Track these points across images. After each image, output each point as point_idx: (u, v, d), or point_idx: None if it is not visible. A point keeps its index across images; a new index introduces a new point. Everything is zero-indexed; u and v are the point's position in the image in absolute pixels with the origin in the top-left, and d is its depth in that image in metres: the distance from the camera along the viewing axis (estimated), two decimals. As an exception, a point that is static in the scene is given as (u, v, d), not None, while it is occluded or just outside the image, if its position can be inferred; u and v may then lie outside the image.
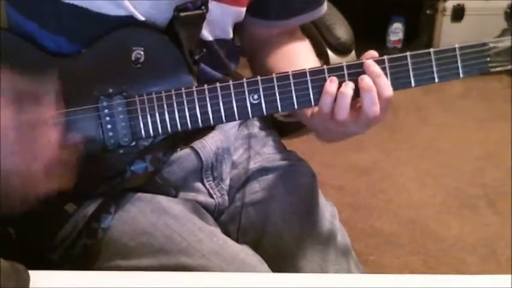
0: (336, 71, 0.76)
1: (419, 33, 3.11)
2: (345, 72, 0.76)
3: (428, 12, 3.05)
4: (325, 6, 0.96)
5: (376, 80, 0.74)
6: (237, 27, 0.90)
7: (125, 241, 0.79)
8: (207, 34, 0.84)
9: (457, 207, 2.08)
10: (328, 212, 0.90)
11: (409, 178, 2.24)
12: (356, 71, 0.76)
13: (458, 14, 2.99)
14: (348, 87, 0.74)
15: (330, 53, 1.25)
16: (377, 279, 0.67)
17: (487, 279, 0.66)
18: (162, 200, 0.82)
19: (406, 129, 2.59)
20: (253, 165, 0.93)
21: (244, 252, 0.79)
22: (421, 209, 2.07)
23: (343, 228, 0.91)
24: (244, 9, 0.87)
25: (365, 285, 0.68)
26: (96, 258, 0.80)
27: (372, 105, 0.74)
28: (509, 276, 0.64)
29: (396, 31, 3.14)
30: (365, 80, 0.74)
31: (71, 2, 0.77)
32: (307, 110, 0.82)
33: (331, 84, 0.75)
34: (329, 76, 0.76)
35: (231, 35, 0.89)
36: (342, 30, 1.28)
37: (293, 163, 0.95)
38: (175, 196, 0.86)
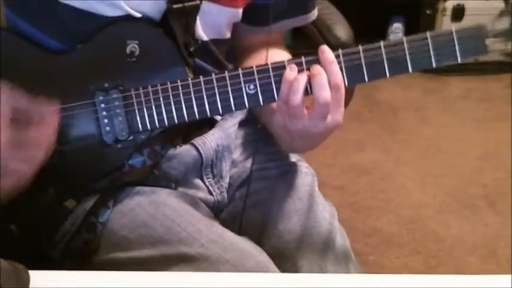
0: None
1: (419, 33, 3.10)
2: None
3: (428, 12, 3.05)
4: (312, 15, 0.96)
5: (328, 67, 0.74)
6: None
7: (125, 233, 0.79)
8: (202, 34, 0.84)
9: (457, 207, 2.08)
10: (328, 212, 0.90)
11: (409, 178, 2.24)
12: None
13: (458, 14, 2.99)
14: (303, 74, 0.74)
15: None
16: (377, 279, 0.67)
17: (487, 279, 0.66)
18: (161, 193, 0.83)
19: (406, 129, 2.59)
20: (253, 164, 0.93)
21: (244, 241, 0.80)
22: (421, 209, 2.07)
23: (343, 229, 0.91)
24: (240, 10, 0.87)
25: (365, 285, 0.68)
26: (96, 252, 0.80)
27: (321, 90, 0.73)
28: (509, 276, 0.64)
29: (396, 31, 3.14)
30: (316, 67, 0.74)
31: (68, 2, 0.77)
32: (270, 116, 0.82)
33: (290, 73, 0.75)
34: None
35: (227, 35, 0.89)
36: (342, 30, 1.29)
37: (293, 163, 0.95)
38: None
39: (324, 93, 0.73)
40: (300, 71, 0.75)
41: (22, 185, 0.70)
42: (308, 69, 0.75)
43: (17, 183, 0.70)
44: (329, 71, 0.74)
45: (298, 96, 0.74)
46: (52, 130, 0.71)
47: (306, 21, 0.96)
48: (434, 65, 0.76)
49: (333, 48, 0.76)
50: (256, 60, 0.91)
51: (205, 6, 0.81)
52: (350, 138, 2.33)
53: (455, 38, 0.75)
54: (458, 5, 2.98)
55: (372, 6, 2.87)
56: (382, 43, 0.76)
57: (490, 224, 2.00)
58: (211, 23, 0.85)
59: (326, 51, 0.75)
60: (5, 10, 0.84)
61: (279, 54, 0.91)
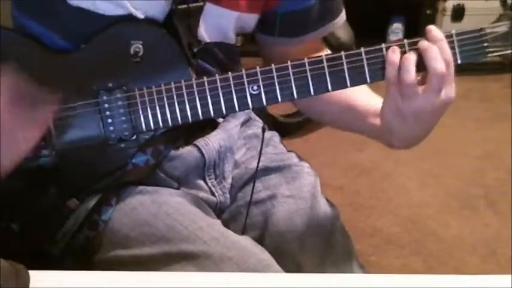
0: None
1: (419, 33, 3.10)
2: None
3: (428, 12, 3.05)
4: (340, 18, 0.96)
5: (438, 44, 0.74)
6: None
7: (126, 231, 0.79)
8: (203, 35, 0.84)
9: (457, 207, 2.08)
10: (330, 212, 0.90)
11: (409, 178, 2.24)
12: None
13: (458, 14, 3.00)
14: (411, 53, 0.75)
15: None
16: (377, 280, 0.67)
17: (487, 279, 0.66)
18: (163, 192, 0.83)
19: (406, 129, 2.59)
20: (255, 164, 0.93)
21: (246, 240, 0.80)
22: (421, 209, 2.07)
23: (345, 229, 0.91)
24: (244, 14, 0.86)
25: (365, 285, 0.68)
26: (97, 250, 0.80)
27: (435, 61, 0.73)
28: (509, 276, 0.64)
29: (396, 31, 3.14)
30: (424, 42, 0.75)
31: (75, 4, 0.77)
32: (368, 118, 0.85)
33: (393, 55, 0.75)
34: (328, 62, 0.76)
35: (232, 41, 0.89)
36: (342, 30, 1.28)
37: (295, 163, 0.95)
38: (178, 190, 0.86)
39: (439, 64, 0.73)
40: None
41: (13, 164, 0.69)
42: (412, 48, 0.75)
43: (9, 162, 0.69)
44: (440, 46, 0.74)
45: (411, 74, 0.74)
46: (50, 112, 0.71)
47: (335, 25, 0.96)
48: None
49: (333, 48, 0.77)
50: None
51: (208, 7, 0.81)
52: (350, 138, 2.32)
53: (455, 41, 0.76)
54: (458, 5, 2.99)
55: (372, 6, 2.87)
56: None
57: (490, 224, 2.00)
58: (214, 25, 0.84)
59: (433, 30, 0.75)
60: (11, 8, 0.84)
61: None
